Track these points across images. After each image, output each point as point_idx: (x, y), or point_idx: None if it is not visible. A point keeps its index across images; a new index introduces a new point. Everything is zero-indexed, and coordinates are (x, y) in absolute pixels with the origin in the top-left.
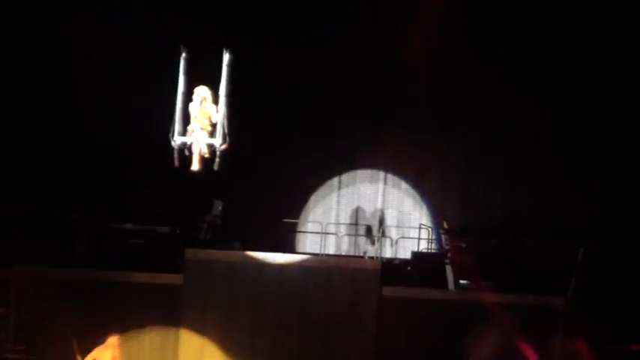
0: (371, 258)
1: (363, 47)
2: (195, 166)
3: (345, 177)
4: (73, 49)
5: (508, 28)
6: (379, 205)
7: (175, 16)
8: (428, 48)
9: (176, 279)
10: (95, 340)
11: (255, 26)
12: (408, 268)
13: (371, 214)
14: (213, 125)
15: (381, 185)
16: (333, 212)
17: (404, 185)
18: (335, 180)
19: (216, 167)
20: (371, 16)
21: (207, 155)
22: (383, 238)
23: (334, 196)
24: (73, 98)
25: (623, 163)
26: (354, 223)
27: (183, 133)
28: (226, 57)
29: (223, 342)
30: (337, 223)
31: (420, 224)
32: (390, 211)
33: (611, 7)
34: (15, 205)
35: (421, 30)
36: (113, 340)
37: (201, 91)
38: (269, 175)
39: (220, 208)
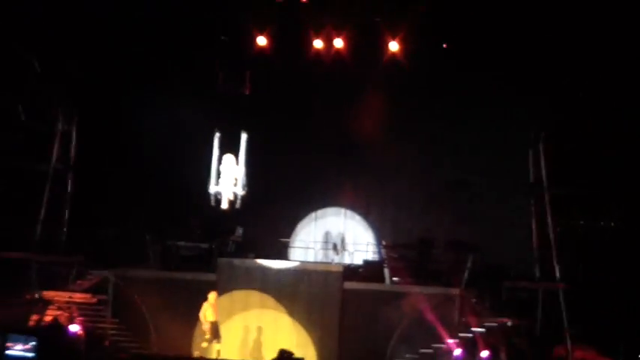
0: (336, 264)
1: (331, 124)
2: (225, 205)
3: (319, 212)
4: (147, 125)
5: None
6: (341, 230)
7: (212, 111)
8: (372, 127)
9: (212, 277)
10: (165, 315)
11: (261, 116)
12: (360, 270)
13: (336, 236)
14: (236, 179)
15: (342, 217)
16: (312, 234)
17: (357, 217)
18: (313, 214)
19: (237, 206)
20: (336, 103)
21: (231, 198)
22: (344, 251)
23: (312, 224)
24: (153, 162)
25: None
26: (325, 242)
27: (217, 184)
28: (244, 136)
29: (242, 312)
30: (314, 242)
31: (368, 242)
32: (348, 234)
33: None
34: (109, 228)
35: (366, 113)
36: (214, 296)
37: (228, 158)
38: (271, 210)
39: (241, 231)
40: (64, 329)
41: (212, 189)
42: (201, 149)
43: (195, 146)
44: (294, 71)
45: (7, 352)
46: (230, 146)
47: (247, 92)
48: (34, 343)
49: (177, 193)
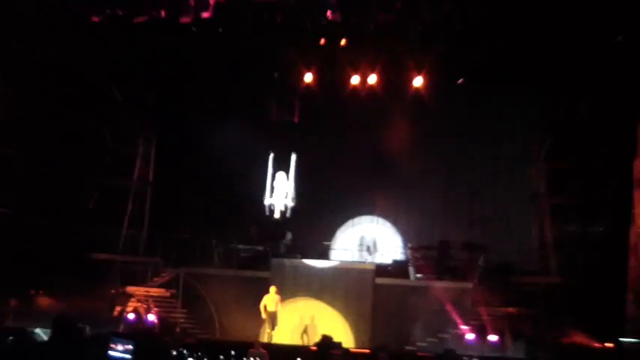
0: (369, 263)
1: (365, 145)
2: (277, 214)
3: (355, 219)
4: (214, 147)
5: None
6: (373, 235)
7: (267, 135)
8: (400, 148)
9: (266, 274)
10: (227, 306)
11: (307, 140)
12: (389, 268)
13: (369, 240)
14: (287, 193)
15: (374, 224)
16: (349, 238)
17: (387, 224)
18: (350, 221)
19: (288, 215)
20: (370, 128)
21: (282, 209)
22: (375, 252)
23: (349, 230)
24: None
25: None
26: (360, 244)
27: (271, 197)
28: (293, 157)
29: (291, 303)
30: (351, 244)
31: (395, 245)
32: (379, 237)
33: None
34: (181, 234)
35: (395, 136)
36: (274, 289)
37: (280, 175)
38: (316, 218)
39: (290, 236)
40: (158, 337)
41: (267, 201)
42: (258, 168)
43: (253, 165)
44: (335, 102)
45: (110, 352)
46: (282, 165)
47: (296, 120)
48: (131, 346)
49: (238, 204)
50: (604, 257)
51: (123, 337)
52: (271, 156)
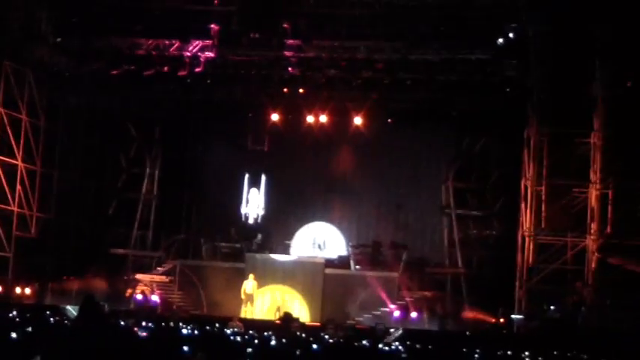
0: (320, 257)
1: (319, 168)
2: (251, 221)
3: (310, 224)
4: (204, 168)
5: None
6: (323, 236)
7: (245, 160)
8: (345, 170)
9: (242, 265)
10: (212, 289)
11: (274, 164)
12: (335, 261)
13: (320, 240)
14: (258, 204)
15: (324, 227)
16: (305, 239)
17: (334, 227)
18: (305, 226)
19: (259, 221)
20: (322, 155)
21: (255, 217)
22: (325, 249)
23: (305, 232)
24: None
25: None
26: (313, 243)
27: (246, 207)
28: (263, 177)
29: (267, 288)
30: (306, 243)
31: (340, 244)
32: (328, 238)
33: None
34: (178, 234)
35: (341, 161)
36: (252, 277)
37: (253, 191)
38: (280, 223)
39: (260, 237)
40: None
41: (243, 210)
42: (237, 185)
43: (233, 182)
44: (295, 135)
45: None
46: (255, 183)
47: (266, 149)
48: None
49: (221, 212)
50: (497, 254)
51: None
52: (246, 176)
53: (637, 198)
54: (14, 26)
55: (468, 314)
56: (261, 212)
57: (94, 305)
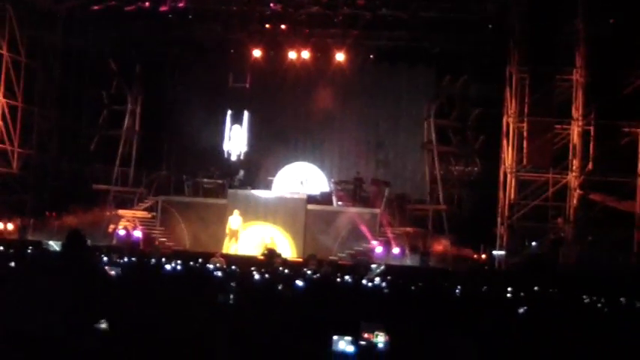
0: (302, 193)
1: (300, 105)
2: (234, 158)
3: (293, 163)
4: (186, 106)
5: None
6: (306, 174)
7: (227, 97)
8: (326, 107)
9: (224, 202)
10: (194, 225)
11: (257, 101)
12: (317, 197)
13: (302, 177)
14: (241, 141)
15: (307, 165)
16: (288, 176)
17: (316, 165)
18: (288, 165)
19: (241, 158)
20: (304, 92)
21: (238, 154)
22: (306, 186)
23: (288, 170)
24: (190, 129)
25: None
26: (295, 181)
27: (229, 143)
28: (246, 113)
29: (253, 225)
30: (289, 180)
31: (322, 180)
32: (310, 175)
33: None
34: (160, 171)
35: (323, 98)
36: (237, 212)
37: (236, 127)
38: (263, 160)
39: (242, 173)
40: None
41: (225, 147)
42: (219, 122)
43: (215, 120)
44: (277, 73)
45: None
46: (237, 120)
47: (248, 86)
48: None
49: (203, 149)
50: (479, 191)
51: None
52: (229, 113)
53: (618, 135)
54: None
55: (437, 247)
56: (244, 149)
57: (80, 240)
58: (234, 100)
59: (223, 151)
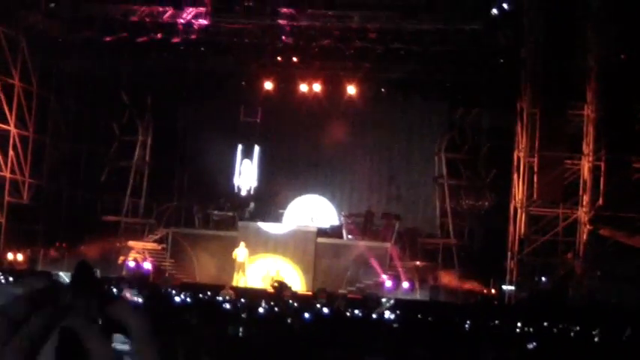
0: (312, 227)
1: (311, 140)
2: (244, 193)
3: (303, 196)
4: (197, 138)
5: None
6: (316, 210)
7: (238, 132)
8: (337, 142)
9: (235, 234)
10: (204, 258)
11: (268, 136)
12: (327, 231)
13: (313, 211)
14: (251, 176)
15: (317, 199)
16: (298, 210)
17: (326, 199)
18: (298, 198)
19: (252, 193)
20: (315, 126)
21: (248, 189)
22: (316, 221)
23: (298, 203)
24: (200, 162)
25: None
26: (306, 216)
27: (239, 178)
28: (257, 148)
29: (260, 257)
30: (299, 214)
31: (332, 214)
32: (320, 210)
33: None
34: (171, 202)
35: (334, 133)
36: (243, 244)
37: (246, 162)
38: (273, 194)
39: (253, 205)
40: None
41: (236, 182)
42: (230, 155)
43: (225, 152)
44: (288, 106)
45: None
46: (248, 155)
47: (259, 120)
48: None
49: (214, 181)
50: (489, 225)
51: (127, 282)
52: (239, 147)
53: (629, 170)
54: None
55: (447, 281)
56: (254, 184)
57: (88, 271)
58: (245, 135)
59: (234, 186)
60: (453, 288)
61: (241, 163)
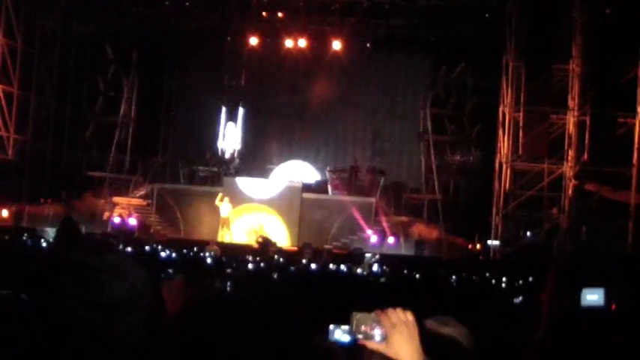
0: (297, 182)
1: (296, 97)
2: (227, 155)
3: (288, 162)
4: (182, 97)
5: None
6: (299, 172)
7: (222, 94)
8: (323, 97)
9: (220, 189)
10: (190, 213)
11: (252, 98)
12: (312, 186)
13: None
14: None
15: (302, 167)
16: (290, 164)
17: (309, 165)
18: (282, 164)
19: (235, 155)
20: (300, 83)
21: (232, 151)
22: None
23: (283, 170)
24: (184, 120)
25: None
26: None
27: (223, 141)
28: (241, 110)
29: (244, 211)
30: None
31: (318, 168)
32: (305, 164)
33: None
34: (155, 158)
35: (319, 88)
36: (227, 199)
37: (230, 124)
38: (257, 160)
39: (237, 161)
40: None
41: (220, 145)
42: (213, 115)
43: (210, 113)
44: (273, 64)
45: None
46: (232, 117)
47: (243, 83)
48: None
49: (199, 137)
50: (474, 180)
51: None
52: (224, 110)
53: (614, 125)
54: None
55: (432, 236)
56: (238, 147)
57: (73, 227)
58: (229, 98)
59: (218, 149)
60: (439, 243)
61: (225, 126)
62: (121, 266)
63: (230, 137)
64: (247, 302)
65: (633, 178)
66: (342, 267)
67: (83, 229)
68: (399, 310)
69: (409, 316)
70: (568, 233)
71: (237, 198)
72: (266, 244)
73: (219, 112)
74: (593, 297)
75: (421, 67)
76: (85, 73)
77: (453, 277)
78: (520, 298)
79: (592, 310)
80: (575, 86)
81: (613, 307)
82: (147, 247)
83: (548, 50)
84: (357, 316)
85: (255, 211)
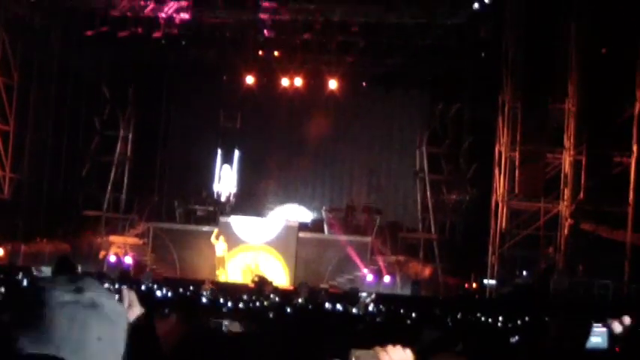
0: (294, 221)
1: (292, 137)
2: (223, 199)
3: (284, 206)
4: (177, 138)
5: None
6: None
7: (217, 136)
8: (319, 136)
9: (216, 228)
10: (186, 252)
11: (247, 141)
12: (309, 225)
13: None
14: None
15: (298, 211)
16: (286, 208)
17: (307, 211)
18: (279, 207)
19: (231, 199)
20: (296, 123)
21: (227, 195)
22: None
23: (279, 214)
24: (180, 160)
25: None
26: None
27: (219, 183)
28: (237, 153)
29: (240, 251)
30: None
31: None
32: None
33: None
34: (152, 197)
35: (315, 127)
36: (222, 238)
37: (226, 167)
38: (253, 202)
39: (234, 200)
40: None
41: (215, 188)
42: (210, 159)
43: (206, 154)
44: (269, 103)
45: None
46: (227, 159)
47: (239, 126)
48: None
49: (195, 176)
50: (470, 219)
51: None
52: (219, 152)
53: (610, 164)
54: None
55: (428, 275)
56: (234, 190)
57: (69, 266)
58: (225, 140)
59: (214, 192)
60: (435, 282)
61: (221, 169)
62: (99, 304)
63: (226, 180)
64: (244, 341)
65: (629, 217)
66: (338, 306)
67: (79, 268)
68: (398, 347)
69: (409, 353)
70: (564, 272)
71: (233, 240)
72: (262, 284)
73: (215, 153)
74: (596, 339)
75: (418, 105)
76: (82, 112)
77: (450, 316)
78: (516, 337)
79: (595, 351)
80: (570, 125)
81: (617, 349)
82: (142, 286)
83: (544, 89)
84: (356, 353)
85: (251, 250)
